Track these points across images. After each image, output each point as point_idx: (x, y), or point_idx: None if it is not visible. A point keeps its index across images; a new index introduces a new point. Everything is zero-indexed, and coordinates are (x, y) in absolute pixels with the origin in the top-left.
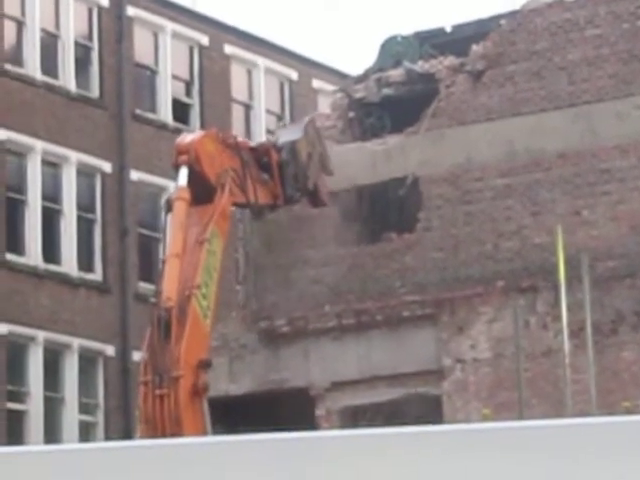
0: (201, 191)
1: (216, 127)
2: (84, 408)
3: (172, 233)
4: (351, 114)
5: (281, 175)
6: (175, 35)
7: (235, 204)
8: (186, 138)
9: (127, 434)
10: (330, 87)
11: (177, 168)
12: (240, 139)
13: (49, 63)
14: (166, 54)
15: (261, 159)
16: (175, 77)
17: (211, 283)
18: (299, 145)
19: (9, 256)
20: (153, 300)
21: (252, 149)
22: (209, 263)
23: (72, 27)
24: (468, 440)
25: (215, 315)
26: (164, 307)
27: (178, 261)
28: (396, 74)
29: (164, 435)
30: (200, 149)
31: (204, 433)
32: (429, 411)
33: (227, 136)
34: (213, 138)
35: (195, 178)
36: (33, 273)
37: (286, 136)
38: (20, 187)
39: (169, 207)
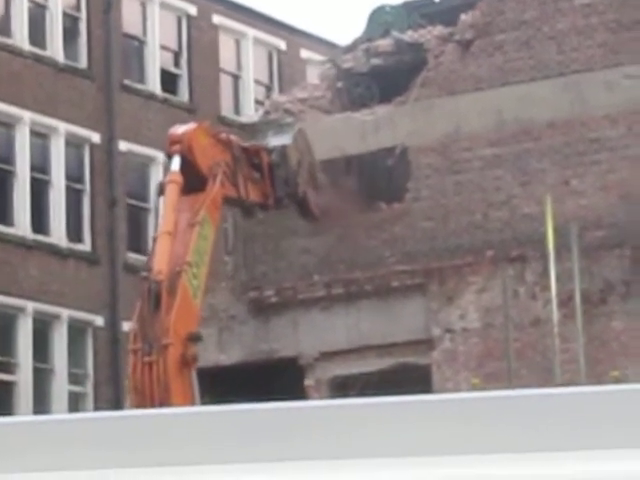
0: (193, 181)
1: (205, 98)
2: (73, 379)
3: (164, 213)
4: (339, 84)
5: (272, 176)
6: (163, 5)
7: (226, 198)
8: (179, 129)
9: (117, 404)
10: (318, 57)
11: (170, 157)
12: (232, 137)
13: (37, 34)
14: (154, 24)
15: (252, 159)
16: (163, 47)
17: (202, 265)
18: (289, 150)
19: None
20: (144, 274)
21: (244, 148)
22: (200, 246)
23: None
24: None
25: (204, 297)
26: (154, 279)
27: (170, 238)
28: (385, 44)
29: (153, 403)
30: (193, 140)
31: (193, 404)
32: (418, 381)
33: (219, 131)
34: (206, 131)
35: (187, 168)
36: (22, 244)
37: (276, 141)
38: (8, 158)
39: (161, 190)
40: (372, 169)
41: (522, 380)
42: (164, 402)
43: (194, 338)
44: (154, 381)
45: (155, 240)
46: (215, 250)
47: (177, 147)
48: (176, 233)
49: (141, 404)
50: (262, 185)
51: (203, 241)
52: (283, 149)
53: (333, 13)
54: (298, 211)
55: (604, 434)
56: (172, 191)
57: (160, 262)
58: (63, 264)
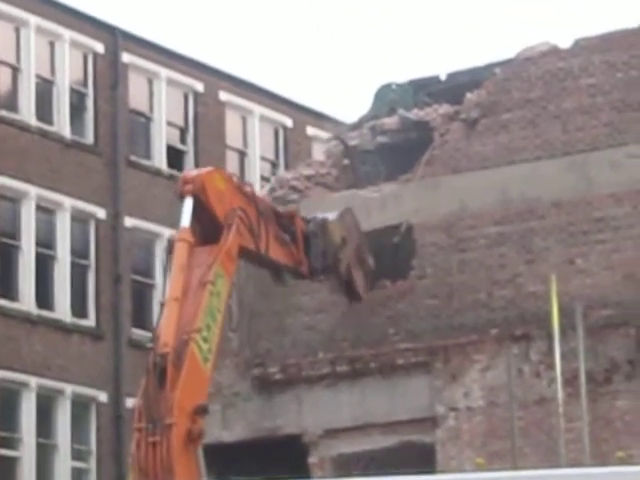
0: (208, 229)
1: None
2: (77, 455)
3: (172, 276)
4: (345, 161)
5: (306, 245)
6: (170, 81)
7: (244, 249)
8: (194, 171)
9: None
10: (324, 134)
11: (182, 199)
12: (262, 196)
13: (44, 109)
14: (161, 100)
15: (283, 221)
16: (170, 123)
17: (214, 325)
18: (332, 225)
19: (2, 302)
20: (150, 345)
21: (274, 211)
22: (212, 305)
23: (67, 73)
24: None
25: (217, 357)
26: (160, 353)
27: (177, 305)
28: (390, 122)
29: None
30: (207, 181)
31: None
32: (422, 459)
33: (243, 184)
34: (225, 177)
35: (201, 213)
36: (26, 319)
37: (319, 215)
38: (14, 233)
39: (171, 248)
40: (377, 246)
41: (526, 459)
42: None
43: (201, 411)
44: (158, 461)
45: (162, 307)
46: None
47: (189, 187)
48: (186, 294)
49: None
50: (293, 249)
51: (216, 298)
52: (324, 222)
53: (339, 91)
54: (340, 288)
55: None
56: (181, 250)
57: (166, 333)
58: (67, 339)
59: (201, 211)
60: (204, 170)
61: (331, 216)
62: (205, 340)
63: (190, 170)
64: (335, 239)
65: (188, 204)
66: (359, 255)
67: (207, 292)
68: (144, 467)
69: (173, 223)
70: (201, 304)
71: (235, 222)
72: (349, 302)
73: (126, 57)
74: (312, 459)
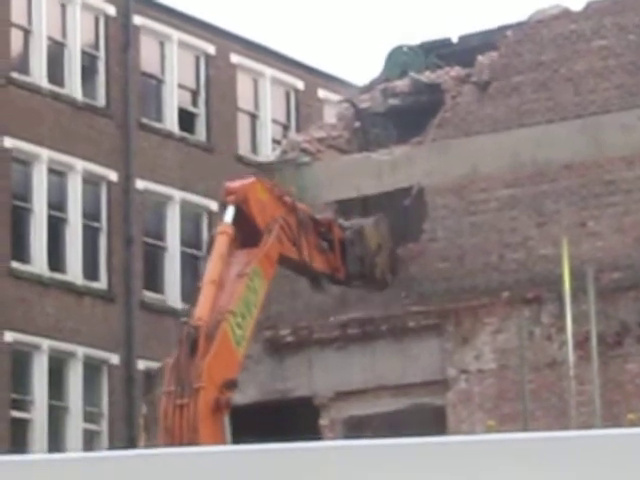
0: (249, 237)
1: (222, 137)
2: (88, 417)
3: (211, 262)
4: (357, 124)
5: (343, 251)
6: (181, 44)
7: (284, 257)
8: (237, 182)
9: (131, 443)
10: (336, 97)
11: (224, 207)
12: (300, 204)
13: (55, 72)
14: (172, 63)
15: (320, 229)
16: (181, 86)
17: (248, 316)
18: (368, 231)
19: (14, 264)
20: (184, 319)
21: (313, 219)
22: (248, 297)
23: (79, 36)
24: (473, 452)
25: (248, 348)
26: (193, 324)
27: (214, 287)
28: (402, 84)
29: (181, 444)
30: (250, 192)
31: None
32: (433, 422)
33: (284, 193)
34: (267, 188)
35: (243, 221)
36: (38, 281)
37: (354, 222)
38: (26, 195)
39: (211, 243)
40: (388, 209)
41: (537, 422)
42: (192, 443)
43: (230, 385)
44: (184, 423)
45: (199, 290)
46: None
47: (232, 197)
48: (223, 284)
49: (170, 443)
50: (330, 257)
51: (252, 293)
52: (361, 229)
53: (351, 53)
54: (370, 289)
55: (621, 477)
56: (222, 242)
57: (202, 310)
58: (79, 302)
59: (243, 219)
60: (247, 181)
61: (366, 222)
62: (239, 326)
63: (234, 181)
64: (371, 245)
65: (230, 211)
66: (391, 260)
67: (244, 284)
68: (170, 428)
69: (184, 186)
70: (237, 293)
71: (276, 230)
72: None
73: (137, 20)
74: (323, 421)
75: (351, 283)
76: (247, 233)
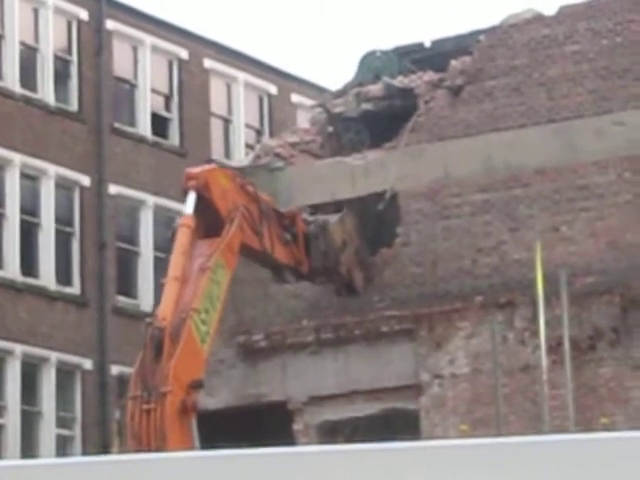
0: (211, 224)
1: (196, 141)
2: (61, 422)
3: (173, 257)
4: (330, 129)
5: (307, 246)
6: (154, 49)
7: (246, 247)
8: (198, 168)
9: (104, 448)
10: (309, 102)
11: (185, 193)
12: (264, 195)
13: (28, 76)
14: (145, 68)
15: (284, 221)
16: (154, 91)
17: (212, 311)
18: (333, 227)
19: None
20: (148, 320)
21: (276, 211)
22: (211, 291)
23: (51, 40)
24: (446, 456)
25: (213, 342)
26: (157, 326)
27: (177, 284)
28: (375, 89)
29: (149, 450)
30: (210, 177)
31: (192, 450)
32: (407, 426)
33: (246, 182)
34: (229, 176)
35: (204, 208)
36: (11, 286)
37: (319, 217)
38: None
39: (173, 235)
40: (362, 214)
41: (511, 426)
42: (160, 448)
43: (197, 385)
44: (151, 429)
45: (163, 286)
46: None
47: (193, 182)
48: (187, 278)
49: (137, 449)
50: (294, 249)
51: (215, 286)
52: (325, 224)
53: (324, 58)
54: (343, 290)
55: None
56: (183, 235)
57: (165, 309)
58: (52, 307)
59: (204, 207)
60: (208, 167)
61: (332, 219)
62: (203, 322)
63: (194, 167)
64: (336, 241)
65: (191, 198)
66: (359, 258)
67: (207, 278)
68: (137, 434)
69: (157, 190)
70: (200, 288)
71: (238, 218)
72: (347, 296)
73: (110, 24)
74: (297, 426)
75: (316, 278)
76: (209, 222)
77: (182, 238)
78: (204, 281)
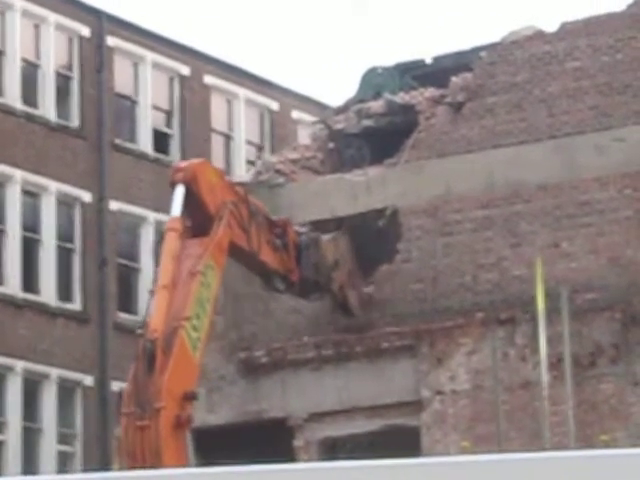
0: (199, 221)
1: (196, 158)
2: (62, 438)
3: (162, 264)
4: (331, 145)
5: (298, 256)
6: (155, 65)
7: (234, 245)
8: (186, 161)
9: (105, 464)
10: (310, 118)
11: (173, 187)
12: (255, 200)
13: (29, 93)
14: (146, 84)
15: (276, 231)
16: (155, 107)
17: (203, 315)
18: (325, 244)
19: None
20: (139, 331)
21: (268, 218)
22: (202, 295)
23: (52, 57)
24: (447, 473)
25: (205, 347)
26: (149, 338)
27: (167, 293)
28: (376, 105)
29: (143, 466)
30: (199, 170)
31: (186, 466)
32: (408, 443)
33: (236, 184)
34: (217, 173)
35: (192, 203)
36: (12, 302)
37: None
38: None
39: (161, 238)
40: (363, 230)
41: (512, 443)
42: (155, 465)
43: (190, 397)
44: (146, 446)
45: (152, 294)
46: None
47: (180, 175)
48: (177, 283)
49: (132, 466)
50: (284, 256)
51: (206, 289)
52: (317, 238)
53: (325, 74)
54: (339, 309)
55: None
56: (170, 240)
57: (156, 319)
58: (53, 323)
59: (192, 202)
60: (196, 160)
61: (325, 236)
62: (195, 329)
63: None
64: (328, 259)
65: (179, 192)
66: (352, 281)
67: (197, 282)
68: (132, 451)
69: (158, 207)
70: (191, 294)
71: (226, 215)
72: (343, 315)
73: (111, 41)
74: (297, 442)
75: (308, 292)
76: (197, 217)
77: (170, 243)
78: (194, 286)
